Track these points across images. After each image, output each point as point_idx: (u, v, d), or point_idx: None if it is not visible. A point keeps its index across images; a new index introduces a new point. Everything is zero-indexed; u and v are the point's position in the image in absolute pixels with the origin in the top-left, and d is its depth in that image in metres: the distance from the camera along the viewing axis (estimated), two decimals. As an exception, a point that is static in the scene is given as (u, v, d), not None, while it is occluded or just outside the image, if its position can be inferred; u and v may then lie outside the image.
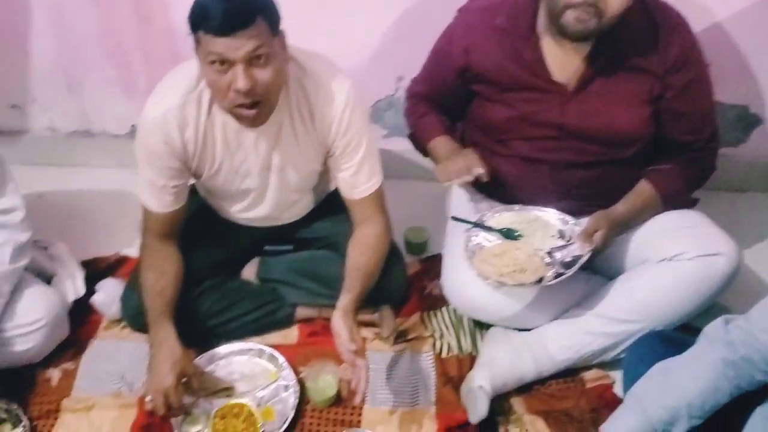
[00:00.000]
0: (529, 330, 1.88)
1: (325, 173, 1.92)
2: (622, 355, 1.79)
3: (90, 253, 2.23)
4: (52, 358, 1.92)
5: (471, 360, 1.90)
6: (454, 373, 1.88)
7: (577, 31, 1.64)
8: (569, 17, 1.63)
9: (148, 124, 1.71)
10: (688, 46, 1.76)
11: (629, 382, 1.54)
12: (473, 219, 1.91)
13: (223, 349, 1.93)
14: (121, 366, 1.93)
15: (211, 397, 1.82)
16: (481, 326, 1.98)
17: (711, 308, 1.79)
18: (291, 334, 2.02)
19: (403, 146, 2.24)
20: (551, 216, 1.88)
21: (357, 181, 1.82)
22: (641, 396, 1.42)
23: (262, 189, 1.87)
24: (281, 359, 1.89)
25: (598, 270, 1.94)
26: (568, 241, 1.82)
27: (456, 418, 1.78)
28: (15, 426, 1.74)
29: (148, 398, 1.72)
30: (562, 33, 1.68)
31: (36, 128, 2.65)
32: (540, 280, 1.76)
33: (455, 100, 1.96)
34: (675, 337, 1.65)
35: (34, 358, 1.88)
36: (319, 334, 1.99)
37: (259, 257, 2.10)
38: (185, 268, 1.86)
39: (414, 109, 2.04)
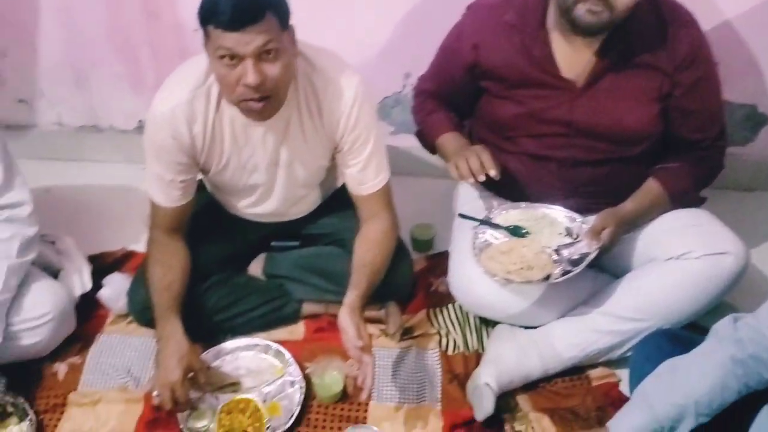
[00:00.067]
0: (535, 327, 1.88)
1: (332, 169, 1.92)
2: (629, 354, 1.78)
3: (97, 247, 2.23)
4: (58, 353, 1.93)
5: (477, 357, 1.90)
6: (460, 371, 1.88)
7: (590, 24, 1.64)
8: (581, 10, 1.62)
9: (157, 119, 1.71)
10: (697, 44, 1.76)
11: (636, 381, 1.53)
12: (480, 216, 1.91)
13: (229, 344, 1.93)
14: (128, 361, 1.94)
15: (217, 392, 1.82)
16: (488, 323, 1.98)
17: (718, 307, 1.79)
18: (297, 330, 2.02)
19: (411, 143, 2.24)
20: (558, 213, 1.88)
21: (364, 177, 1.82)
22: (649, 393, 1.42)
23: (269, 184, 1.87)
24: (287, 355, 1.89)
25: (605, 268, 1.94)
26: (576, 238, 1.82)
27: (462, 415, 1.78)
28: (21, 420, 1.74)
29: (154, 393, 1.72)
30: (573, 27, 1.68)
31: (44, 123, 2.65)
32: (547, 278, 1.76)
33: (463, 97, 1.95)
34: (682, 336, 1.65)
35: (40, 352, 1.88)
36: (326, 330, 1.99)
37: (265, 253, 2.10)
38: (192, 263, 1.87)
39: (422, 106, 2.03)
